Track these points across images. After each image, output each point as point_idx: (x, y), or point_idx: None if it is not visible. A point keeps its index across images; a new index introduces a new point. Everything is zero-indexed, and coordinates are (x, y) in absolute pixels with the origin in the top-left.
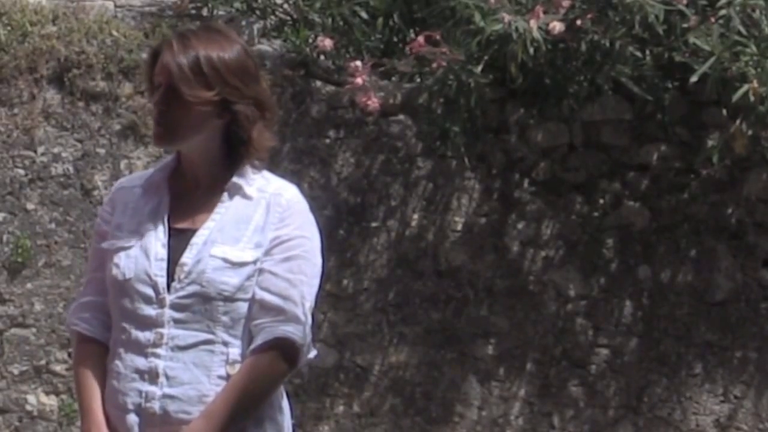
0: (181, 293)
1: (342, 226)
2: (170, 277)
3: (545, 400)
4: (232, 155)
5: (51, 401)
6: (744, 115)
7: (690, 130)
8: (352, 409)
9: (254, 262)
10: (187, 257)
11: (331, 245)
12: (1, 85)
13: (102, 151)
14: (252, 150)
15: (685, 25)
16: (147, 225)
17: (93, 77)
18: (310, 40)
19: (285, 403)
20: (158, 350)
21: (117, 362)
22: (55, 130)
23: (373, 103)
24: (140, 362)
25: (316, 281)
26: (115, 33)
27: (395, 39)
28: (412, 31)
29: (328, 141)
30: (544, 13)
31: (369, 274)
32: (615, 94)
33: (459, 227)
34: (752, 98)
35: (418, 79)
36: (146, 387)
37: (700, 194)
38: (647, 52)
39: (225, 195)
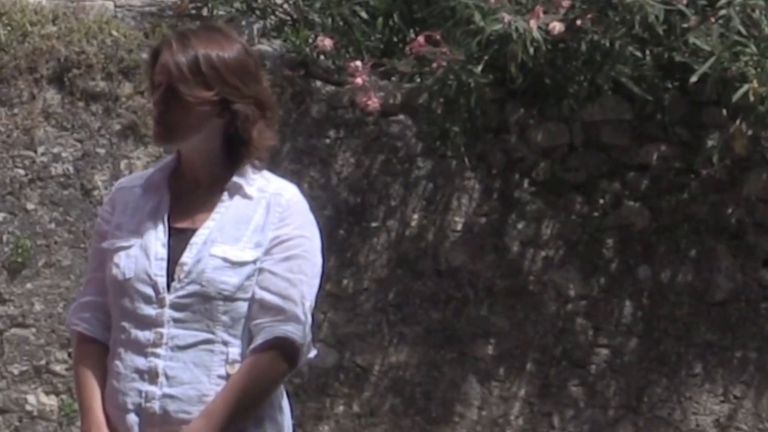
0: (181, 293)
1: (342, 226)
2: (170, 276)
3: (545, 400)
4: (233, 155)
5: (51, 401)
6: (744, 115)
7: (690, 130)
8: (352, 409)
9: (254, 262)
10: (187, 257)
11: (331, 245)
12: (1, 85)
13: (102, 151)
14: (252, 149)
15: (685, 25)
16: (147, 225)
17: (93, 77)
18: (310, 40)
19: (285, 403)
20: (158, 350)
21: (117, 362)
22: (55, 130)
23: (373, 103)
24: (140, 362)
25: (316, 281)
26: (115, 33)
27: (395, 39)
28: (412, 31)
29: (328, 141)
30: (544, 13)
31: (369, 274)
32: (615, 94)
33: (459, 227)
34: (752, 98)
35: (418, 79)
36: (146, 387)
37: (700, 194)
38: (647, 52)
39: (225, 194)
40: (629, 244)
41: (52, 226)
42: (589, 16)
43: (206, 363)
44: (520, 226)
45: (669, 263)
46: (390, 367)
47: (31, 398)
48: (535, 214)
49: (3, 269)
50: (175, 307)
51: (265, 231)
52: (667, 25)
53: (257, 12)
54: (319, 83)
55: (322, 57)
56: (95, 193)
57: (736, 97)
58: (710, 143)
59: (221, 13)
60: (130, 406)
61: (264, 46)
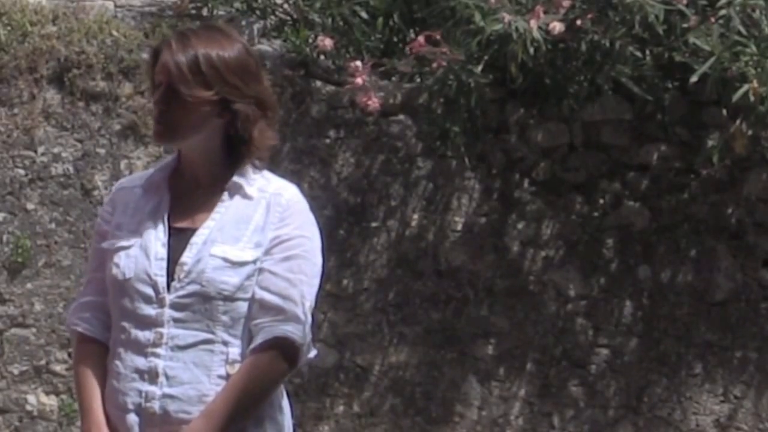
0: (181, 293)
1: (342, 226)
2: (170, 276)
3: (545, 400)
4: (233, 154)
5: (51, 401)
6: (744, 115)
7: (690, 130)
8: (352, 409)
9: (254, 262)
10: (187, 257)
11: (331, 245)
12: (1, 85)
13: (102, 151)
14: (253, 149)
15: (685, 25)
16: (147, 224)
17: (93, 77)
18: (310, 40)
19: (285, 403)
20: (158, 350)
21: (117, 362)
22: (55, 130)
23: (373, 103)
24: (140, 362)
25: (316, 281)
26: (115, 33)
27: (395, 39)
28: (412, 31)
29: (328, 141)
30: (544, 13)
31: (369, 274)
32: (615, 94)
33: (459, 227)
34: (752, 98)
35: (418, 79)
36: (146, 387)
37: (700, 194)
38: (647, 52)
39: (225, 194)
40: (629, 244)
41: (52, 226)
42: (589, 16)
43: (206, 363)
44: (520, 226)
45: (669, 263)
46: (390, 367)
47: (31, 398)
48: (535, 214)
49: (3, 269)
50: (175, 307)
51: (265, 231)
52: (667, 25)
53: (257, 12)
54: (319, 83)
55: (322, 57)
56: (95, 193)
57: (736, 97)
58: (710, 143)
59: (221, 13)
60: (130, 406)
61: (264, 46)
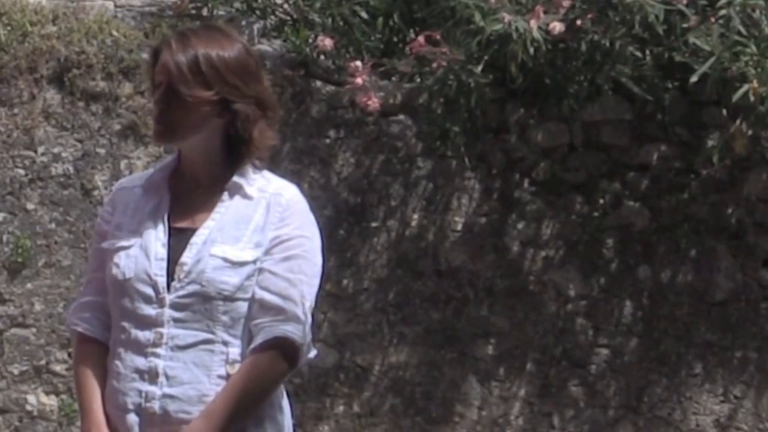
0: (181, 293)
1: (342, 226)
2: (170, 276)
3: (545, 400)
4: (233, 154)
5: (51, 401)
6: (744, 115)
7: (690, 130)
8: (352, 409)
9: (254, 262)
10: (187, 257)
11: (331, 245)
12: (1, 85)
13: (102, 151)
14: (253, 149)
15: (685, 25)
16: (147, 224)
17: (93, 77)
18: (310, 40)
19: (285, 403)
20: (158, 350)
21: (117, 362)
22: (55, 130)
23: (373, 103)
24: (140, 362)
25: (316, 281)
26: (115, 33)
27: (395, 39)
28: (412, 31)
29: (328, 141)
30: (545, 13)
31: (369, 274)
32: (615, 94)
33: (459, 227)
34: (752, 98)
35: (418, 79)
36: (146, 387)
37: (700, 194)
38: (647, 52)
39: (225, 194)
40: (629, 244)
41: (52, 226)
42: (589, 16)
43: (206, 363)
44: (520, 226)
45: (669, 263)
46: (390, 367)
47: (31, 398)
48: (535, 214)
49: (3, 269)
50: (175, 307)
51: (265, 231)
52: (667, 25)
53: (257, 12)
54: (319, 83)
55: (322, 57)
56: (95, 193)
57: (736, 97)
58: (710, 143)
59: (221, 13)
60: (130, 406)
61: (264, 46)
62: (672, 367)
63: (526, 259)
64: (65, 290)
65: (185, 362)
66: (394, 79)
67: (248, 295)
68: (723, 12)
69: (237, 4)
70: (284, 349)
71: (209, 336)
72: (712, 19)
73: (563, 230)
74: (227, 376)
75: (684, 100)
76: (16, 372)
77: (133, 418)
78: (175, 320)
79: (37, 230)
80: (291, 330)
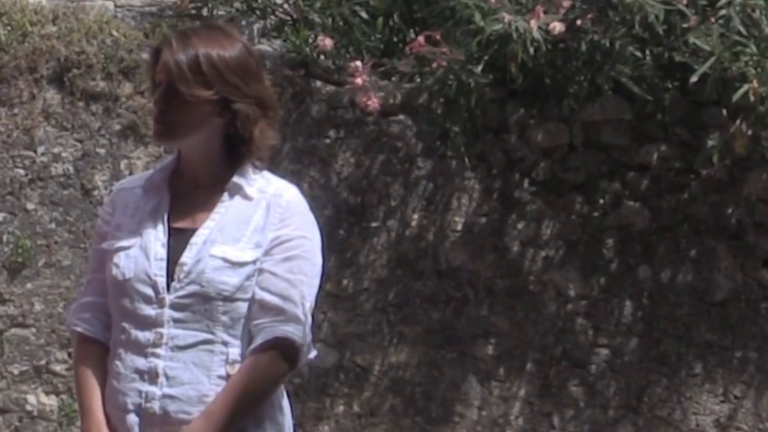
0: (181, 293)
1: (342, 226)
2: (170, 276)
3: (545, 400)
4: (233, 154)
5: (51, 401)
6: (744, 115)
7: (690, 130)
8: (352, 409)
9: (254, 262)
10: (187, 257)
11: (331, 245)
12: (1, 85)
13: (102, 151)
14: (253, 149)
15: (685, 25)
16: (147, 225)
17: (93, 77)
18: (310, 40)
19: (285, 403)
20: (158, 350)
21: (117, 362)
22: (55, 130)
23: (373, 103)
24: (140, 362)
25: (316, 281)
26: (115, 33)
27: (395, 39)
28: (412, 31)
29: (328, 141)
30: (545, 13)
31: (369, 274)
32: (615, 94)
33: (459, 227)
34: (752, 98)
35: (418, 79)
36: (146, 387)
37: (700, 194)
38: (647, 52)
39: (225, 195)
40: (629, 244)
41: (52, 226)
42: (589, 16)
43: (206, 363)
44: (520, 226)
45: (669, 263)
46: (390, 367)
47: (31, 398)
48: (535, 214)
49: (3, 269)
50: (174, 307)
51: (265, 231)
52: (667, 25)
53: (257, 12)
54: (319, 83)
55: (322, 57)
56: (95, 193)
57: (736, 97)
58: (710, 143)
59: (221, 13)
60: (130, 407)
61: (264, 46)
62: (672, 367)
63: (526, 259)
64: (65, 290)
65: (185, 362)
66: (394, 79)
67: (248, 296)
68: (723, 12)
69: (237, 4)
70: (284, 349)
71: (209, 336)
72: (712, 19)
73: (563, 230)
74: (227, 377)
75: (684, 100)
76: (16, 372)
77: (133, 419)
78: (175, 320)
79: (37, 230)
80: (291, 330)
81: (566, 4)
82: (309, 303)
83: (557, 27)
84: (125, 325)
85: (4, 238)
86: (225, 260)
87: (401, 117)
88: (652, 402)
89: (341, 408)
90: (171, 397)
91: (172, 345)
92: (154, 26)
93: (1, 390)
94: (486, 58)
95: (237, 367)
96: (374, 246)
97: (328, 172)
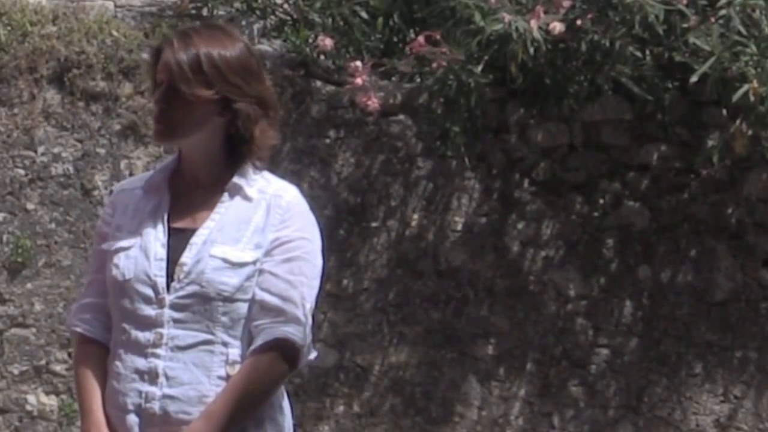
0: (181, 293)
1: (342, 226)
2: (170, 277)
3: (545, 400)
4: (234, 154)
5: (51, 401)
6: (744, 115)
7: (690, 130)
8: (352, 409)
9: (254, 263)
10: (187, 257)
11: (331, 245)
12: (1, 85)
13: (102, 151)
14: (254, 148)
15: (685, 25)
16: (147, 225)
17: (93, 77)
18: (310, 40)
19: (286, 404)
20: (158, 350)
21: (117, 363)
22: (55, 130)
23: (373, 103)
24: (140, 363)
25: (317, 282)
26: (115, 33)
27: (395, 39)
28: (412, 31)
29: (328, 141)
30: (545, 13)
31: (369, 274)
32: (615, 94)
33: (459, 227)
34: (752, 98)
35: (418, 79)
36: (146, 387)
37: (700, 194)
38: (647, 52)
39: (225, 195)
40: (629, 244)
41: (52, 226)
42: (589, 16)
43: (206, 364)
44: (520, 226)
45: (669, 263)
46: (390, 367)
47: (31, 398)
48: (535, 214)
49: (3, 269)
50: (174, 307)
51: (266, 232)
52: (667, 25)
53: (257, 12)
54: (319, 83)
55: (322, 57)
56: (95, 193)
57: (736, 97)
58: (710, 143)
59: (221, 13)
60: (130, 407)
61: (264, 46)
62: (672, 367)
63: (526, 259)
64: (65, 290)
65: (185, 363)
66: (394, 79)
67: (248, 296)
68: (723, 12)
69: (237, 4)
70: (284, 350)
71: (209, 337)
72: (712, 19)
73: (563, 230)
74: (227, 377)
75: (684, 100)
76: (16, 372)
77: (133, 419)
78: (175, 321)
79: (37, 230)
80: (291, 331)
81: (566, 4)
82: (309, 304)
83: (557, 27)
84: (125, 325)
85: (4, 238)
86: (225, 260)
87: (401, 117)
88: (652, 402)
89: (341, 408)
90: (171, 397)
91: (172, 345)
92: (154, 26)
93: (1, 390)
94: (486, 58)
95: (237, 367)
96: (374, 246)
97: (328, 172)
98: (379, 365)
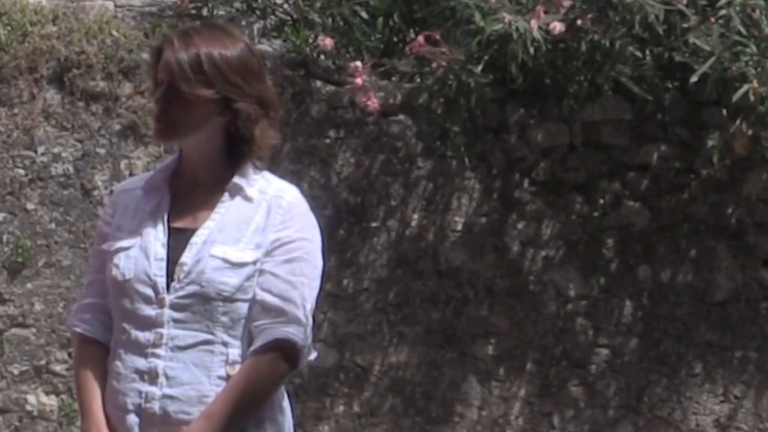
0: (181, 293)
1: (342, 226)
2: (170, 277)
3: (545, 400)
4: (234, 154)
5: (51, 401)
6: (744, 115)
7: (690, 130)
8: (352, 409)
9: (254, 263)
10: (187, 257)
11: (331, 245)
12: (1, 85)
13: (102, 151)
14: (254, 148)
15: (685, 25)
16: (147, 225)
17: (93, 77)
18: (310, 40)
19: (286, 404)
20: (158, 350)
21: (117, 363)
22: (55, 130)
23: (373, 103)
24: (140, 363)
25: (317, 283)
26: (115, 33)
27: (395, 39)
28: (412, 31)
29: (328, 141)
30: (545, 13)
31: (369, 274)
32: (615, 94)
33: (459, 227)
34: (752, 98)
35: (418, 79)
36: (146, 387)
37: (700, 194)
38: (647, 52)
39: (226, 195)
40: (629, 244)
41: (52, 226)
42: (589, 16)
43: (206, 364)
44: (520, 226)
45: (669, 263)
46: (390, 367)
47: (31, 398)
48: (535, 214)
49: (3, 269)
50: (174, 307)
51: (266, 233)
52: (667, 25)
53: (257, 12)
54: (319, 83)
55: (322, 57)
56: (95, 193)
57: (736, 97)
58: (710, 143)
59: (221, 13)
60: (130, 407)
61: (264, 46)
62: (672, 367)
63: (526, 259)
64: (65, 290)
65: (185, 363)
66: (394, 79)
67: (248, 296)
68: (723, 12)
69: (237, 4)
70: (285, 350)
71: (209, 337)
72: (712, 19)
73: (563, 230)
74: (227, 377)
75: (684, 100)
76: (16, 372)
77: (133, 419)
78: (175, 321)
79: (37, 230)
80: (292, 332)
81: (566, 4)
82: (310, 304)
83: (557, 27)
84: (125, 325)
85: (4, 238)
86: (225, 260)
87: (401, 117)
88: (652, 402)
89: (341, 408)
90: (171, 397)
91: (172, 345)
92: (154, 26)
93: (1, 390)
94: (486, 58)
95: (237, 367)
96: (374, 246)
97: (328, 172)
98: (379, 365)
